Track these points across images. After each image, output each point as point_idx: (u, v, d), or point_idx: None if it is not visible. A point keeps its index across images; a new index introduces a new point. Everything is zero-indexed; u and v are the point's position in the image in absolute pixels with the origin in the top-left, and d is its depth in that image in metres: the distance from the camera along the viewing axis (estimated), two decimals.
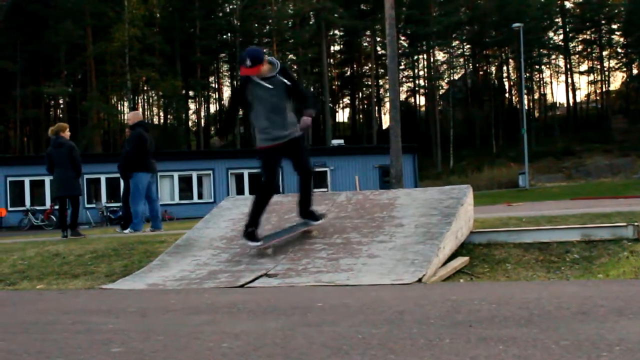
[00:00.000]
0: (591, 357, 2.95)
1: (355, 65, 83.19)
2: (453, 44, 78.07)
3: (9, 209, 35.41)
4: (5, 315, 5.49)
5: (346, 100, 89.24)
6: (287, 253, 7.67)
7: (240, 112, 8.90)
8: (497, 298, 4.80)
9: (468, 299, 4.84)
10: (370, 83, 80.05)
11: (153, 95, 75.35)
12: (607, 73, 78.77)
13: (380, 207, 8.47)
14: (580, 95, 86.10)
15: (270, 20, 71.70)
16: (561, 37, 78.36)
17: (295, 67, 74.65)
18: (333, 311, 4.71)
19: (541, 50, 76.84)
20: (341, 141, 51.29)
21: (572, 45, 78.86)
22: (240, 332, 4.04)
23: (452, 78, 79.66)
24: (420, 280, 6.34)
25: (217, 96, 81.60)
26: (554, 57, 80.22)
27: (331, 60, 79.30)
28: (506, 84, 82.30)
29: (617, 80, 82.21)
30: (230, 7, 73.90)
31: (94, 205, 35.49)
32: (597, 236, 7.78)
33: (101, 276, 8.47)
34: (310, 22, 73.02)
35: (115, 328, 4.48)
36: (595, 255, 7.44)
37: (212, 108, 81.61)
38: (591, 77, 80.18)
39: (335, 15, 71.50)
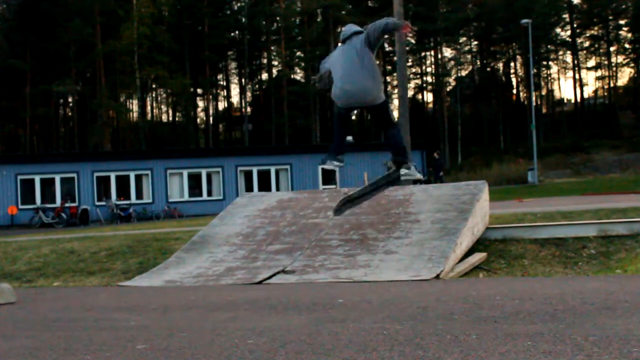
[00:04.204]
0: (622, 352, 2.94)
1: None
2: (460, 41, 77.80)
3: (20, 207, 35.45)
4: (27, 312, 5.50)
5: None
6: (304, 249, 7.66)
7: None
8: (519, 294, 4.79)
9: (490, 295, 4.83)
10: None
11: (162, 93, 75.40)
12: (614, 69, 78.46)
13: (396, 203, 8.46)
14: (588, 91, 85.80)
15: (278, 18, 71.63)
16: (568, 33, 78.04)
17: (302, 64, 74.58)
18: (355, 307, 4.70)
19: (548, 46, 76.55)
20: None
21: (579, 41, 78.49)
22: (265, 328, 4.03)
23: (459, 74, 79.40)
24: (438, 276, 6.32)
25: (225, 94, 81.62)
26: (561, 53, 79.95)
27: None
28: (513, 80, 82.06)
29: (625, 76, 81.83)
30: (239, 4, 73.87)
31: (104, 203, 35.50)
32: (614, 231, 7.77)
33: (117, 273, 8.49)
34: (318, 19, 72.90)
35: (138, 325, 4.49)
36: (613, 251, 7.43)
37: (221, 105, 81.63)
38: (599, 73, 79.80)
39: (343, 12, 71.37)
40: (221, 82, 79.78)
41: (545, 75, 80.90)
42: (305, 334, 3.78)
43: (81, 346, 3.81)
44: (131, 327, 4.39)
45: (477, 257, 7.46)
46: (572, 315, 3.86)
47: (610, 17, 75.78)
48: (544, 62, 78.19)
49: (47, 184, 36.75)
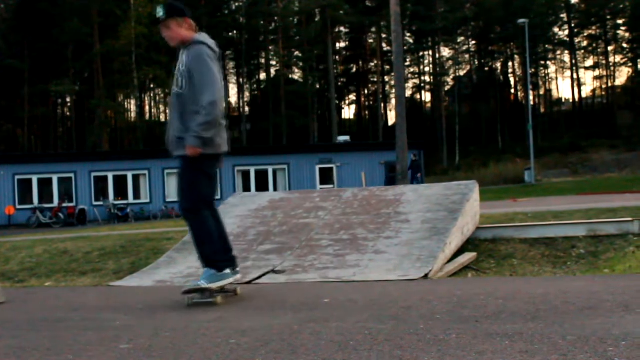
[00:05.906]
0: (598, 352, 2.96)
1: (361, 62, 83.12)
2: (458, 40, 77.92)
3: (18, 207, 35.49)
4: (15, 312, 5.52)
5: (352, 97, 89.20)
6: (294, 249, 7.68)
7: None
8: (504, 293, 4.81)
9: (474, 295, 4.85)
10: (376, 80, 79.98)
11: (160, 93, 75.45)
12: (612, 68, 78.60)
13: (387, 203, 8.47)
14: (586, 91, 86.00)
15: (276, 18, 71.68)
16: (566, 32, 78.21)
17: (301, 64, 74.59)
18: (340, 307, 4.72)
19: (546, 45, 76.69)
20: (347, 137, 51.13)
21: (577, 40, 78.65)
22: (248, 328, 4.05)
23: (457, 74, 79.49)
24: (426, 276, 6.34)
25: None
26: (559, 52, 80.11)
27: (337, 57, 79.16)
28: (512, 79, 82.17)
29: (622, 76, 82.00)
30: (236, 4, 73.92)
31: (101, 203, 35.53)
32: (603, 231, 7.79)
33: (109, 273, 8.51)
34: (316, 19, 72.93)
35: (124, 325, 4.51)
36: (601, 250, 7.45)
37: None
38: (597, 73, 79.96)
39: (341, 12, 71.43)
40: None
41: (543, 75, 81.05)
42: (287, 333, 3.80)
43: (65, 346, 3.83)
44: (117, 327, 4.41)
45: (467, 257, 7.49)
46: (553, 314, 3.88)
47: (608, 17, 75.90)
48: (542, 62, 78.34)
49: (45, 184, 36.78)
